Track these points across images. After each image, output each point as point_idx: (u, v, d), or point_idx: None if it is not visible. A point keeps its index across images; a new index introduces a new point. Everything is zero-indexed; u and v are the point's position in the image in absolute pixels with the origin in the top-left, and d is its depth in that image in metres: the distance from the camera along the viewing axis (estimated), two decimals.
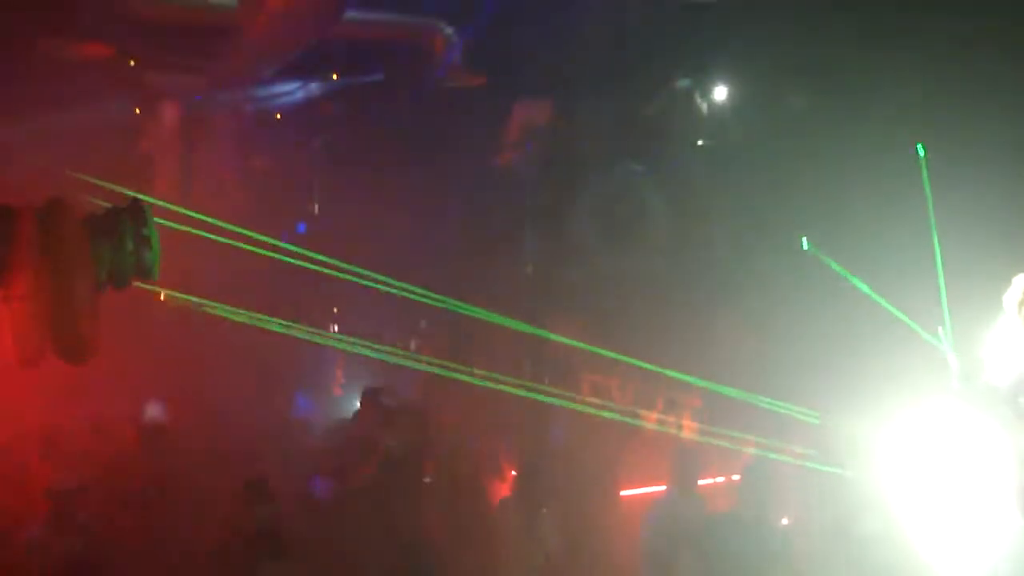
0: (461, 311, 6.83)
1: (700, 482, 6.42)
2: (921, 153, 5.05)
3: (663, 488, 6.37)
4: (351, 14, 9.16)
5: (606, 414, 7.18)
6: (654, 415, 8.28)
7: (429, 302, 6.31)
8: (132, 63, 10.00)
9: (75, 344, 4.97)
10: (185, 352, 9.26)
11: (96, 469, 6.53)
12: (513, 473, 7.29)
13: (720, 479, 7.41)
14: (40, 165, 7.57)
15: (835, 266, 5.53)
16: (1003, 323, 5.00)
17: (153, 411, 7.50)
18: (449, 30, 10.34)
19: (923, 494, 5.29)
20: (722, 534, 5.69)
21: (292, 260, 6.15)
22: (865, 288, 5.43)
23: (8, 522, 5.80)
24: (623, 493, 7.53)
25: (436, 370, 7.87)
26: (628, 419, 7.68)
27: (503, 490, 7.05)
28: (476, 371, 7.55)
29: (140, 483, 6.45)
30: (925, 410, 5.30)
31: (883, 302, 5.40)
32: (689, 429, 7.89)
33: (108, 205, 5.54)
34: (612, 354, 6.98)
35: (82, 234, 5.26)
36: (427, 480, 7.08)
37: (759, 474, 6.04)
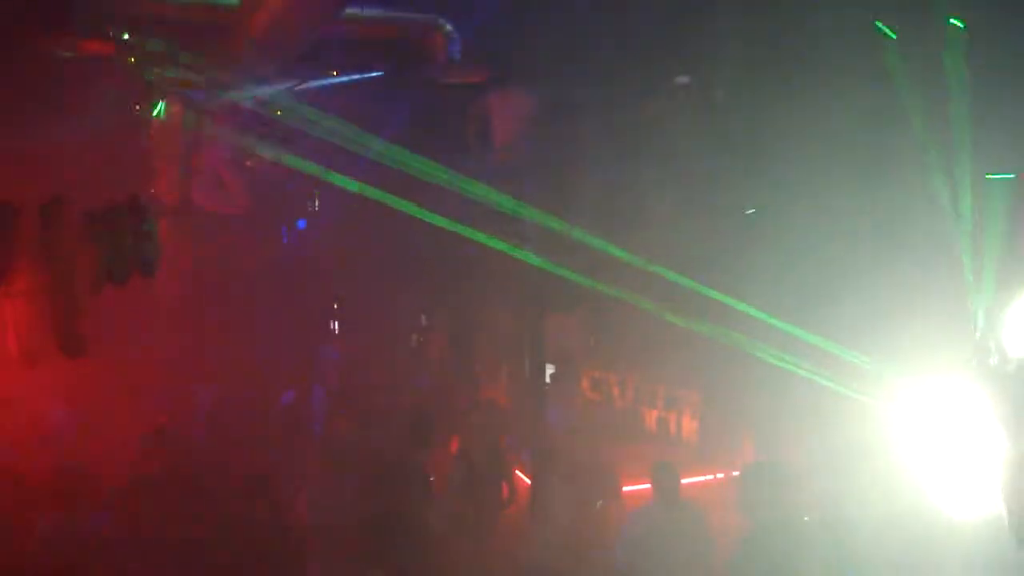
0: None
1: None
2: None
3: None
4: (351, 11, 9.18)
5: None
6: None
7: None
8: (132, 60, 9.98)
9: (75, 340, 4.99)
10: (185, 349, 9.24)
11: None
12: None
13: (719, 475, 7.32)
14: (41, 163, 7.55)
15: None
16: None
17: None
18: (449, 27, 10.33)
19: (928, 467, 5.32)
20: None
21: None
22: None
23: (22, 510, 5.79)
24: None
25: None
26: None
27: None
28: None
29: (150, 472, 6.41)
30: (942, 386, 5.32)
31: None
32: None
33: (108, 202, 5.55)
34: None
35: (82, 231, 5.27)
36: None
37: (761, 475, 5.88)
